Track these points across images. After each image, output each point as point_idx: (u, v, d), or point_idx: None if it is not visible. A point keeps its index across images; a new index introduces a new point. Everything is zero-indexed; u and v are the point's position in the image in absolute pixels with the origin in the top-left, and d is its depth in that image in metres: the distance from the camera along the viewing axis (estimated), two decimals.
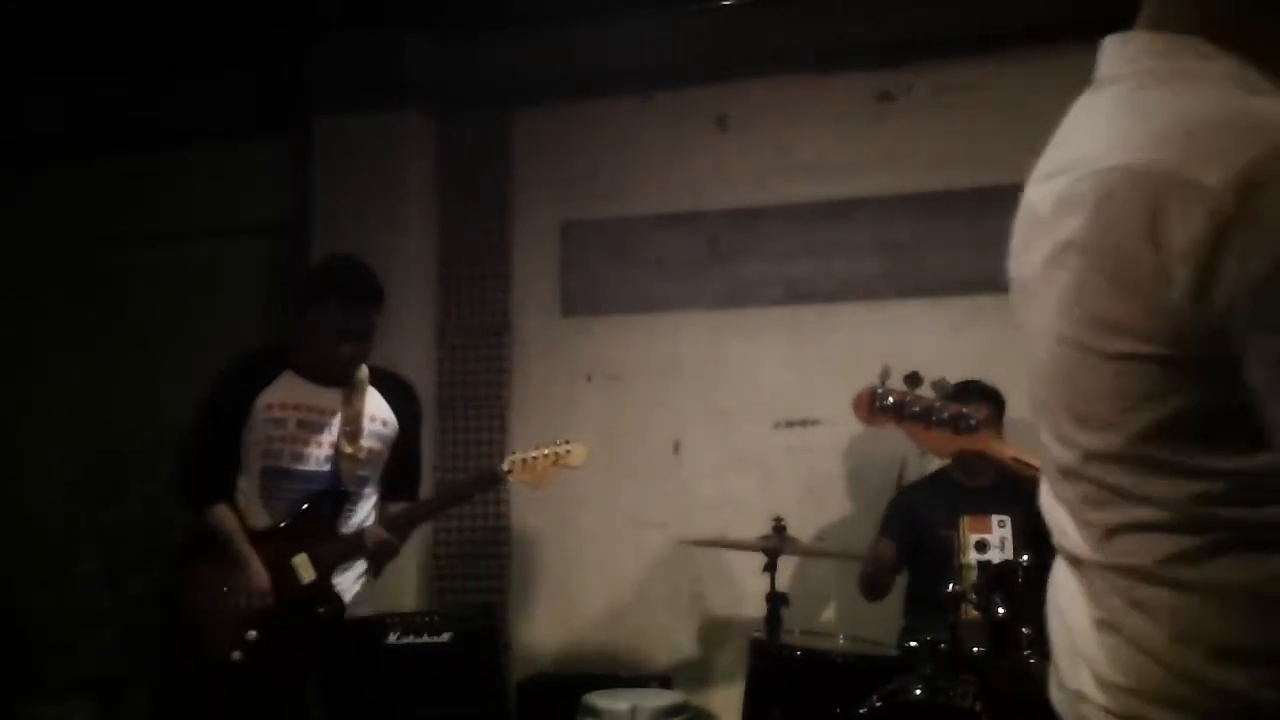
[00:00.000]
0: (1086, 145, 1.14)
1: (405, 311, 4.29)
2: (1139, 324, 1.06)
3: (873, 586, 3.82)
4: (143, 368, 4.99)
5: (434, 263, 4.79)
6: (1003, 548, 3.50)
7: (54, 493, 5.05)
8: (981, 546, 3.52)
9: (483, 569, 4.62)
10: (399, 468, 3.40)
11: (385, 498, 3.36)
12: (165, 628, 3.41)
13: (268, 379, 3.25)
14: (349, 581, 3.26)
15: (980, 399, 3.46)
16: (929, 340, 4.08)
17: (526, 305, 4.79)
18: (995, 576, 2.81)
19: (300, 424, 3.21)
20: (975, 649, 2.77)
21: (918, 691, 2.81)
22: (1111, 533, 1.17)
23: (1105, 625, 1.19)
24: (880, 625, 3.66)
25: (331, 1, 4.59)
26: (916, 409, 2.49)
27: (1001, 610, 2.69)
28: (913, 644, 2.97)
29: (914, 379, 2.54)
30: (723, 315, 4.53)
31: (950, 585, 2.93)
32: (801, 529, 3.78)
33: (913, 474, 4.09)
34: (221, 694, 3.16)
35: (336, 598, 3.17)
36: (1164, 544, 1.12)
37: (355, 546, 3.22)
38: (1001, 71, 4.18)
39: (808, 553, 3.86)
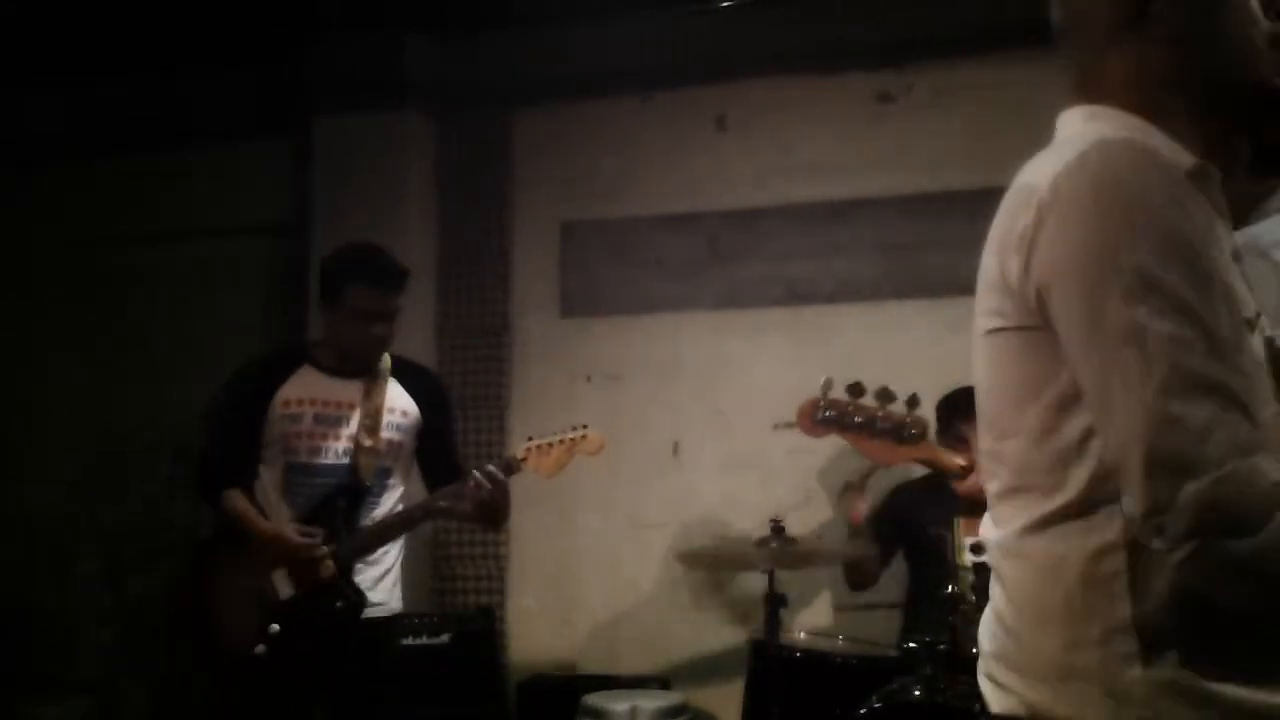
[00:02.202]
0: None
1: (404, 311, 4.28)
2: (999, 302, 1.26)
3: (853, 581, 3.85)
4: (142, 368, 4.99)
5: (433, 263, 4.79)
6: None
7: (54, 492, 5.05)
8: (977, 549, 3.51)
9: (481, 570, 4.62)
10: (434, 456, 3.33)
11: (431, 489, 3.31)
12: (175, 623, 3.39)
13: (284, 374, 3.23)
14: (372, 578, 3.19)
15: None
16: (928, 341, 4.08)
17: (526, 306, 4.79)
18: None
19: (317, 418, 3.20)
20: (974, 650, 2.76)
21: (917, 692, 2.81)
22: (995, 500, 1.32)
23: (991, 599, 1.36)
24: (880, 626, 3.66)
25: (332, 1, 4.60)
26: (859, 419, 2.51)
27: None
28: (912, 645, 2.96)
29: (856, 389, 2.55)
30: (723, 316, 4.53)
31: (949, 587, 2.92)
32: (800, 529, 3.78)
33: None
34: (239, 688, 3.13)
35: (356, 592, 3.11)
36: (1019, 514, 1.26)
37: (373, 538, 3.17)
38: (1001, 72, 4.18)
39: (805, 557, 3.85)
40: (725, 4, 4.49)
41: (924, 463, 2.61)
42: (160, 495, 4.88)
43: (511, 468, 3.19)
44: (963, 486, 2.59)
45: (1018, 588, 1.27)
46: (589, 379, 4.67)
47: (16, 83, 4.87)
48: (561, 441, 3.24)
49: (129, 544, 4.93)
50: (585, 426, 3.26)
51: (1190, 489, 1.06)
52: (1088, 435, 1.18)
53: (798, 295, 4.44)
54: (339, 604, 3.09)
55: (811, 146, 4.45)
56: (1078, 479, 1.19)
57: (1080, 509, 1.19)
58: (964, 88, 4.28)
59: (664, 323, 4.60)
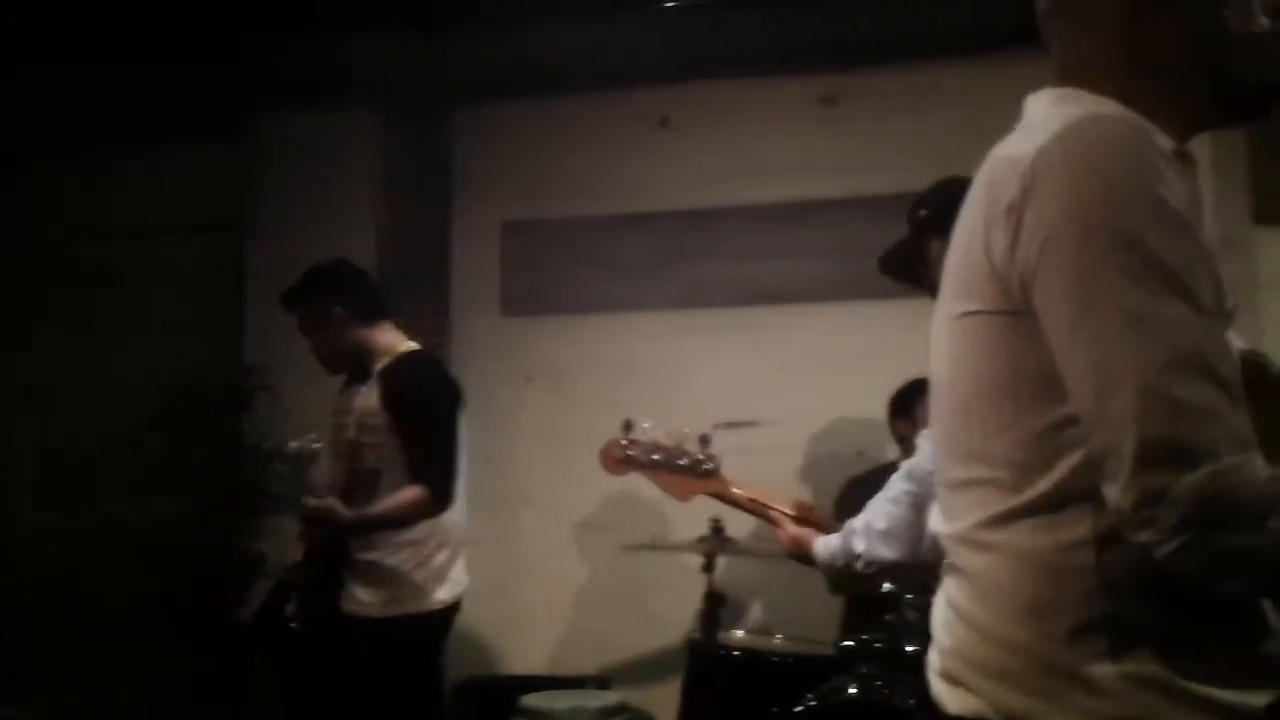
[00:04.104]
0: None
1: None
2: (976, 285, 1.19)
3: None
4: (87, 367, 4.90)
5: (375, 261, 4.75)
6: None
7: (14, 494, 4.94)
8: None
9: None
10: (405, 454, 3.30)
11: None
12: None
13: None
14: (359, 574, 3.26)
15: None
16: (882, 341, 4.12)
17: (467, 305, 4.77)
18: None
19: (332, 423, 3.42)
20: (910, 648, 2.80)
21: (853, 690, 2.83)
22: (952, 491, 1.27)
23: (943, 593, 1.30)
24: (819, 625, 3.68)
25: None
26: (657, 457, 2.66)
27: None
28: (849, 643, 2.99)
29: (653, 429, 2.73)
30: (668, 316, 4.55)
31: (885, 585, 2.94)
32: (740, 530, 3.80)
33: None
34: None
35: (321, 585, 3.24)
36: (981, 506, 1.21)
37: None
38: (948, 75, 4.24)
39: (743, 555, 3.88)
40: (670, 5, 4.51)
41: (719, 498, 2.75)
42: (118, 496, 4.79)
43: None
44: (784, 536, 2.66)
45: (982, 581, 1.22)
46: (530, 379, 4.66)
47: None
48: None
49: (87, 545, 4.83)
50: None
51: (1186, 480, 1.02)
52: (1063, 426, 1.13)
53: (750, 296, 4.47)
54: (308, 593, 3.29)
55: (758, 148, 4.48)
56: (1051, 472, 1.15)
57: (1052, 503, 1.15)
58: (909, 91, 4.33)
59: (607, 323, 4.60)
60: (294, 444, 3.29)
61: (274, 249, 4.60)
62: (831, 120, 4.45)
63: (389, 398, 3.29)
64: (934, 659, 1.30)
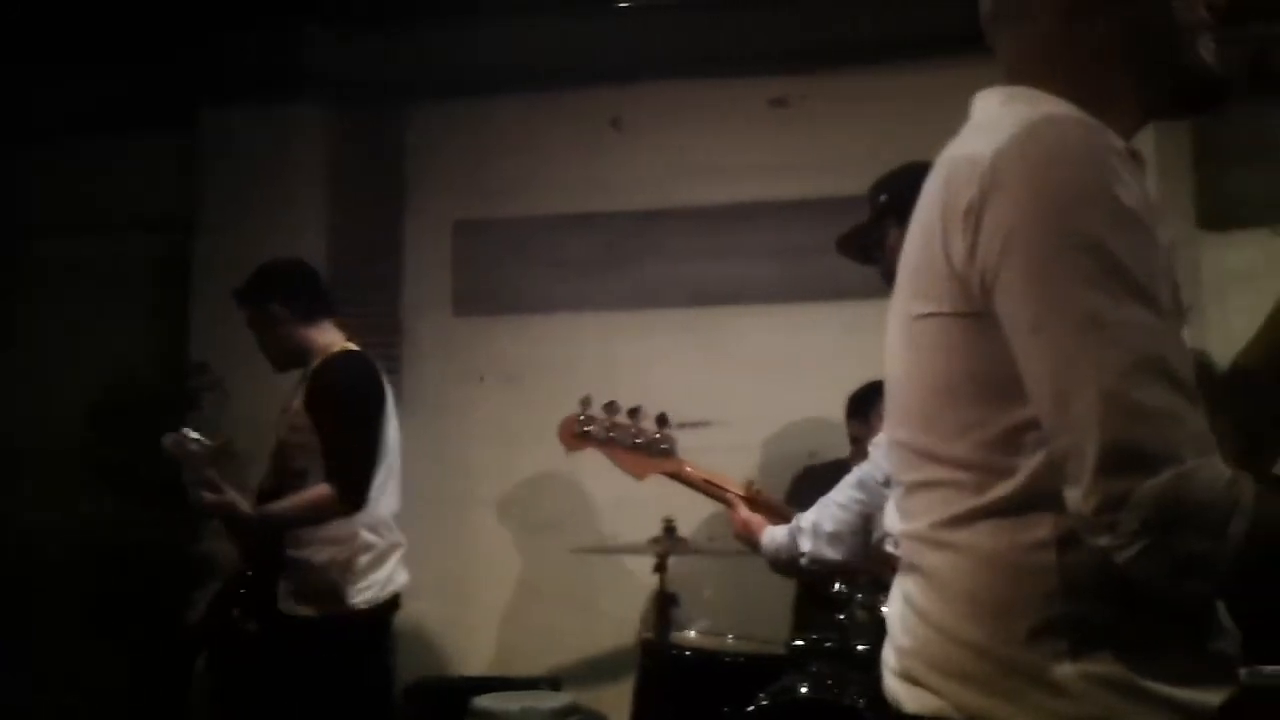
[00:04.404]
0: None
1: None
2: (934, 286, 1.18)
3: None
4: (30, 364, 4.82)
5: (324, 260, 4.70)
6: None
7: None
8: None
9: None
10: (322, 454, 3.27)
11: None
12: None
13: None
14: (291, 574, 3.23)
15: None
16: (826, 342, 4.16)
17: (418, 305, 4.74)
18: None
19: (277, 419, 3.40)
20: (860, 646, 2.81)
21: (804, 689, 2.84)
22: (909, 491, 1.26)
23: (900, 592, 1.29)
24: (771, 625, 3.70)
25: None
26: (614, 434, 2.69)
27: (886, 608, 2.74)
28: (800, 643, 3.00)
29: (612, 406, 2.74)
30: (621, 316, 4.54)
31: (836, 585, 2.96)
32: (694, 530, 3.81)
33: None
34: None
35: (260, 585, 3.22)
36: (940, 506, 1.20)
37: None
38: (898, 78, 4.26)
39: (695, 554, 3.89)
40: (623, 5, 4.51)
41: (674, 478, 2.79)
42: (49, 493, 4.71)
43: None
44: (736, 519, 2.71)
45: (943, 581, 1.21)
46: (482, 379, 4.64)
47: None
48: None
49: (17, 546, 4.74)
50: None
51: (1149, 485, 1.01)
52: (1025, 429, 1.12)
53: (697, 297, 4.48)
54: (242, 591, 3.24)
55: (709, 150, 4.49)
56: (1013, 475, 1.14)
57: (1013, 505, 1.14)
58: (858, 96, 4.36)
59: (560, 323, 4.59)
60: (168, 438, 3.11)
61: (222, 246, 4.54)
62: (782, 122, 4.47)
63: (309, 397, 3.29)
64: (890, 658, 1.29)
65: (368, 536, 3.29)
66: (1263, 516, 1.03)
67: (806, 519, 2.56)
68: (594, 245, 4.58)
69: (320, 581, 3.23)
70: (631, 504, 4.28)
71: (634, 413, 2.80)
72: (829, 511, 2.53)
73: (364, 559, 3.29)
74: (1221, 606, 1.18)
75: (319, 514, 3.18)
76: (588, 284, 4.57)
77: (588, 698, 4.17)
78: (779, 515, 2.70)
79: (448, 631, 4.54)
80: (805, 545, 2.52)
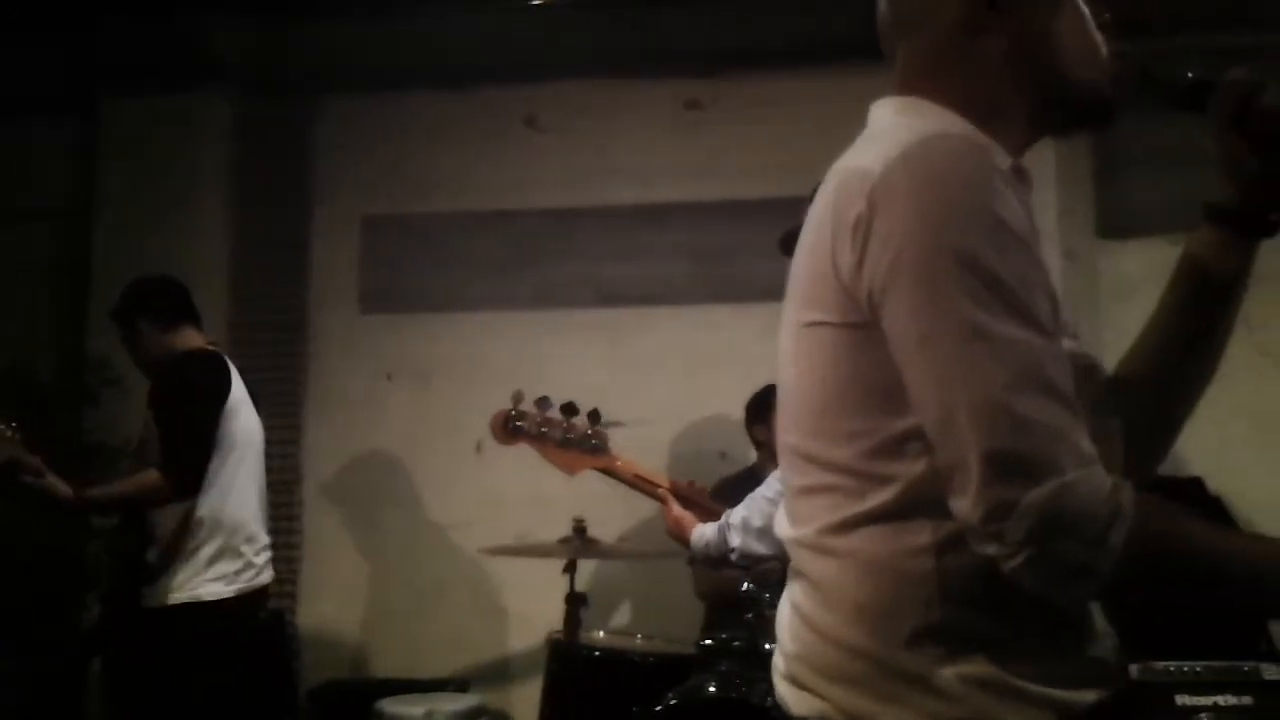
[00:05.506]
0: None
1: (198, 303, 4.13)
2: (823, 295, 1.20)
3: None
4: None
5: (227, 254, 4.61)
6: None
7: None
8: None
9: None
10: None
11: None
12: None
13: None
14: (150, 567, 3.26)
15: None
16: (738, 343, 4.18)
17: (324, 301, 4.67)
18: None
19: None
20: (769, 646, 2.83)
21: (712, 689, 2.85)
22: (796, 496, 1.28)
23: (788, 598, 1.31)
24: (681, 625, 3.71)
25: None
26: (546, 430, 2.71)
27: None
28: (709, 642, 3.02)
29: (544, 402, 2.77)
30: (532, 315, 4.52)
31: (745, 584, 2.98)
32: (604, 529, 3.80)
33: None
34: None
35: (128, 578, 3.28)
36: (825, 512, 1.22)
37: None
38: (811, 82, 4.31)
39: (606, 556, 3.89)
40: (537, 4, 4.49)
41: (606, 473, 2.82)
42: None
43: None
44: (668, 515, 2.76)
45: (826, 586, 1.23)
46: (389, 377, 4.59)
47: None
48: None
49: None
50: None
51: (1033, 495, 1.04)
52: (908, 438, 1.15)
53: (609, 297, 4.48)
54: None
55: (621, 149, 4.50)
56: (894, 481, 1.16)
57: (894, 511, 1.16)
58: (771, 100, 4.40)
59: (470, 321, 4.56)
60: None
61: (121, 237, 4.44)
62: (696, 124, 4.50)
63: (149, 393, 3.42)
64: (778, 662, 1.31)
65: (212, 528, 3.34)
66: (1142, 523, 1.06)
67: (736, 515, 2.62)
68: (505, 244, 4.56)
69: (165, 571, 3.29)
70: (542, 504, 4.29)
71: (566, 409, 2.82)
72: (758, 506, 2.58)
73: (207, 550, 3.32)
74: (1098, 610, 1.23)
75: (145, 497, 3.27)
76: (498, 283, 4.55)
77: (496, 699, 4.15)
78: (709, 512, 2.74)
79: (354, 632, 4.48)
80: (735, 540, 2.58)
